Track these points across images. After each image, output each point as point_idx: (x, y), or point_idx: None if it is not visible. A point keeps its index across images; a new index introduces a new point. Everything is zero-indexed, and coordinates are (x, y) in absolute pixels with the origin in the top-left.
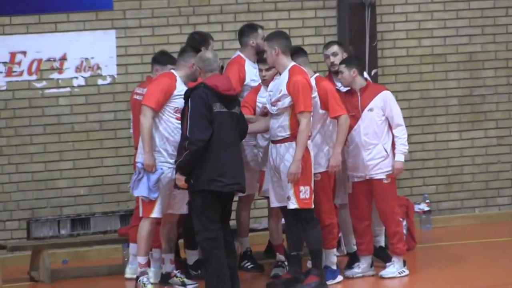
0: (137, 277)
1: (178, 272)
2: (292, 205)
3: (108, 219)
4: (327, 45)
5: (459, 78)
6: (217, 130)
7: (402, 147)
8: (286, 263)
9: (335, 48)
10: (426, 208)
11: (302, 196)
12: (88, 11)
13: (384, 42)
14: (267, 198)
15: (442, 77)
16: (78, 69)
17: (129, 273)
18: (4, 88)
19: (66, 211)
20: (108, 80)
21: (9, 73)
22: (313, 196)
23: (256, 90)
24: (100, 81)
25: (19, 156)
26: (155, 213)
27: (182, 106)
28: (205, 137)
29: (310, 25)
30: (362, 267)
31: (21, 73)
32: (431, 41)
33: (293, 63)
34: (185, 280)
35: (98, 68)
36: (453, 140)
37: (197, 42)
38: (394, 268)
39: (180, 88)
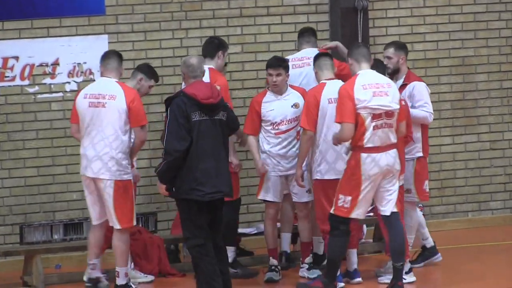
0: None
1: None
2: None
3: None
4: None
5: (451, 82)
6: (196, 139)
7: None
8: (279, 267)
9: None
10: (419, 213)
11: (339, 203)
12: (80, 16)
13: (377, 46)
14: (264, 201)
15: (434, 81)
16: (70, 74)
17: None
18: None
19: (59, 216)
20: None
21: (1, 78)
22: (356, 205)
23: None
24: None
25: (12, 161)
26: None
27: None
28: (182, 147)
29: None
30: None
31: (13, 78)
32: (423, 45)
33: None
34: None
35: (91, 73)
36: (446, 144)
37: (216, 46)
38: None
39: None
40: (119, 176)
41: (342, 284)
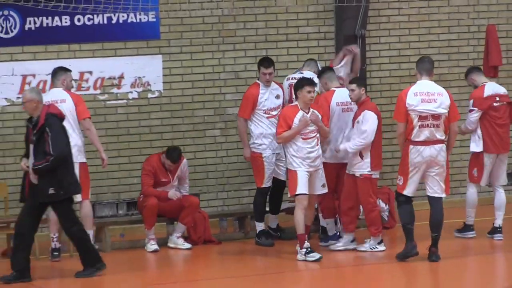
0: None
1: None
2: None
3: None
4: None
5: None
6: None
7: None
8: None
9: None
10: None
11: (397, 181)
12: (141, 40)
13: (372, 65)
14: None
15: None
16: (132, 85)
17: (171, 243)
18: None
19: (123, 196)
20: (156, 94)
21: (79, 88)
22: (406, 184)
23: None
24: (149, 95)
25: (86, 153)
26: None
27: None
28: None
29: (314, 52)
30: (343, 241)
31: (88, 88)
32: (408, 65)
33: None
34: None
35: (148, 85)
36: None
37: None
38: (367, 244)
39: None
40: None
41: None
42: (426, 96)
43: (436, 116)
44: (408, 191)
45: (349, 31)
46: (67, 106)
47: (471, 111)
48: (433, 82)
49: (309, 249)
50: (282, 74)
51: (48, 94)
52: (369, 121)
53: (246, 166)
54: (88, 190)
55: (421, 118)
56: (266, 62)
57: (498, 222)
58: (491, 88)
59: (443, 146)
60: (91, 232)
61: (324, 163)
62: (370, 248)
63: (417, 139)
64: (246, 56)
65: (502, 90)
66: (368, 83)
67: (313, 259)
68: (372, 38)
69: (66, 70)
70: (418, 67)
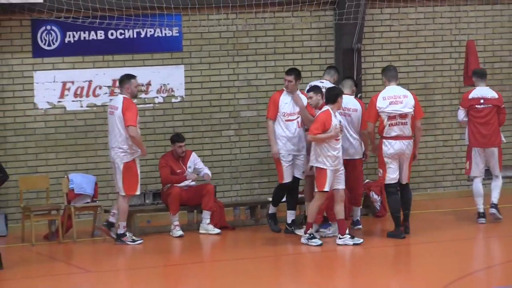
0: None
1: (130, 233)
2: None
3: None
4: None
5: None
6: None
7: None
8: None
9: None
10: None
11: (379, 175)
12: (165, 52)
13: (367, 75)
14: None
15: None
16: (158, 91)
17: (202, 229)
18: (108, 104)
19: (149, 187)
20: (179, 99)
21: (111, 93)
22: (386, 173)
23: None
24: (173, 100)
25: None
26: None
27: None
28: None
29: (316, 63)
30: (332, 229)
31: (119, 94)
32: (398, 75)
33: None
34: (134, 237)
35: (172, 91)
36: None
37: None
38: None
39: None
40: None
41: (329, 232)
42: (394, 99)
43: (403, 115)
44: (389, 179)
45: (347, 45)
46: (117, 113)
47: (459, 108)
48: (399, 86)
49: (311, 235)
50: None
51: (111, 100)
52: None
53: (256, 162)
54: (133, 186)
55: (390, 118)
56: (288, 70)
57: (493, 199)
58: (479, 91)
59: (411, 141)
60: (123, 223)
61: None
62: (332, 233)
63: (388, 135)
64: (257, 66)
65: (490, 94)
66: (364, 90)
67: (315, 244)
68: (367, 51)
69: (129, 77)
70: (386, 75)
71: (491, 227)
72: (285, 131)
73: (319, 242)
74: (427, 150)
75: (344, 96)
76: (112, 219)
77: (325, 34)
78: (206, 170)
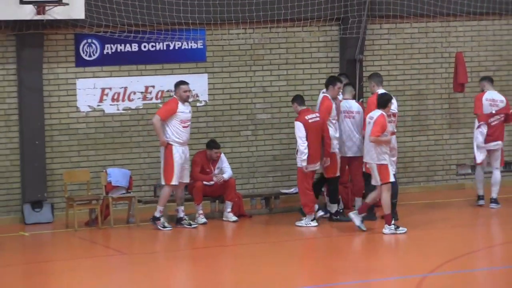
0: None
1: (186, 216)
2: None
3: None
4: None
5: (412, 104)
6: None
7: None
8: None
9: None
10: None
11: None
12: (191, 62)
13: (367, 83)
14: None
15: (401, 104)
16: None
17: (224, 217)
18: (141, 107)
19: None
20: (203, 103)
21: (144, 98)
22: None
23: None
24: (198, 104)
25: (150, 148)
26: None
27: None
28: None
29: (323, 72)
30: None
31: (151, 98)
32: (395, 82)
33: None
34: (191, 222)
35: (197, 96)
36: (408, 141)
37: (329, 79)
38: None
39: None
40: None
41: (322, 213)
42: None
43: (394, 114)
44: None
45: (350, 56)
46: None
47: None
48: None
49: (395, 225)
50: (300, 89)
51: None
52: (296, 130)
53: (271, 158)
54: (169, 176)
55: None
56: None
57: (493, 195)
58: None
59: (394, 136)
60: (160, 208)
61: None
62: (305, 224)
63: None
64: (271, 75)
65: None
66: (365, 96)
67: (400, 232)
68: (367, 62)
69: (179, 83)
70: (375, 80)
71: (480, 214)
72: (336, 132)
73: (404, 229)
74: (421, 148)
75: (347, 100)
76: (179, 215)
77: (331, 46)
78: (226, 176)
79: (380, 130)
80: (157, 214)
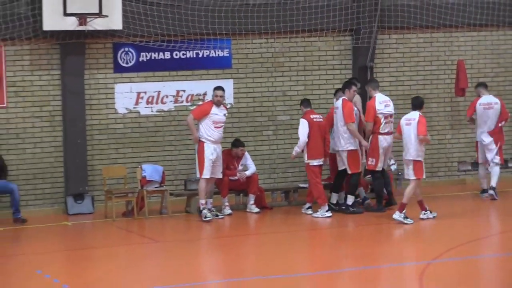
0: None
1: (213, 208)
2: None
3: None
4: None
5: None
6: None
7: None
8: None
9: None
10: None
11: (369, 163)
12: (218, 69)
13: None
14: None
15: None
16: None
17: (248, 209)
18: (173, 109)
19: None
20: (228, 106)
21: (175, 101)
22: (378, 162)
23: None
24: None
25: (181, 146)
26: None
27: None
28: None
29: (337, 78)
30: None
31: (182, 102)
32: (403, 87)
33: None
34: (217, 213)
35: (224, 99)
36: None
37: (345, 83)
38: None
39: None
40: None
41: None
42: (385, 102)
43: (391, 115)
44: (380, 166)
45: (362, 64)
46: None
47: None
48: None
49: (405, 215)
50: (316, 93)
51: None
52: (300, 126)
53: (290, 156)
54: (200, 170)
55: (386, 117)
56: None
57: (492, 183)
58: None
59: (392, 136)
60: (202, 201)
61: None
62: (321, 215)
63: (383, 131)
64: (291, 80)
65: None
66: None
67: (408, 223)
68: (378, 68)
69: (215, 89)
70: (372, 85)
71: (479, 206)
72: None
73: (411, 221)
74: (425, 147)
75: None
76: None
77: (344, 54)
78: (248, 172)
79: (426, 129)
80: (200, 206)
